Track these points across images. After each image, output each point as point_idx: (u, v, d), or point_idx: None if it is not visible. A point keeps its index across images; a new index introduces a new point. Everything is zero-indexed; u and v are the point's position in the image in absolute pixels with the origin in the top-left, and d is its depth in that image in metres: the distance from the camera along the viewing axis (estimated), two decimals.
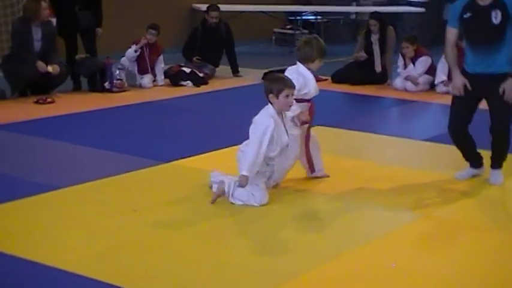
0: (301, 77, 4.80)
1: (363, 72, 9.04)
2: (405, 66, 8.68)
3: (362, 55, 9.01)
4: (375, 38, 8.97)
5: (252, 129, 4.47)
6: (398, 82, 8.74)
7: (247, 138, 6.07)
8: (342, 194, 4.73)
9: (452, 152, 5.86)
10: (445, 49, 5.01)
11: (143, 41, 8.68)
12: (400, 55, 8.80)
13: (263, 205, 4.42)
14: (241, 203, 4.46)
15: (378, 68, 9.00)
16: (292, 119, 4.70)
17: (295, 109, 4.69)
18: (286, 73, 4.82)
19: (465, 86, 4.79)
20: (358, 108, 8.09)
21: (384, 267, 3.63)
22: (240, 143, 5.99)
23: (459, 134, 4.94)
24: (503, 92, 4.65)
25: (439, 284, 3.47)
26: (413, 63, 8.58)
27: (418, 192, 4.79)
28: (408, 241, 4.02)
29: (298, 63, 4.87)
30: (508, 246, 3.98)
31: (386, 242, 3.99)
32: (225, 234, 4.07)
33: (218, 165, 5.36)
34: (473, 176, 5.01)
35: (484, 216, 4.45)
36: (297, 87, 4.66)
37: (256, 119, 4.51)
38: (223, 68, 9.68)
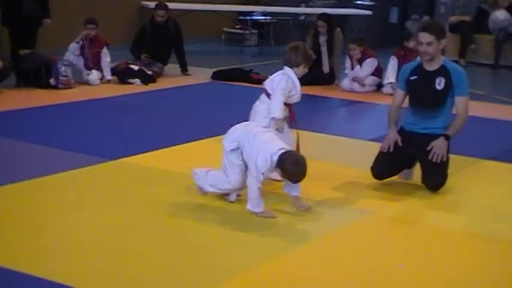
0: (291, 80, 4.84)
1: (310, 73, 9.10)
2: (352, 68, 8.82)
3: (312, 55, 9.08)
4: (322, 39, 9.08)
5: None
6: (345, 83, 8.87)
7: (195, 136, 6.14)
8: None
9: None
10: (391, 107, 5.12)
11: (84, 33, 8.58)
12: (347, 56, 8.92)
13: (235, 189, 4.44)
14: (213, 190, 4.47)
15: (326, 68, 9.11)
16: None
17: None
18: (276, 77, 4.85)
19: (396, 142, 4.89)
20: (305, 108, 8.11)
21: (326, 265, 3.69)
22: (188, 141, 6.03)
23: (380, 178, 4.98)
24: (431, 148, 4.74)
25: (383, 278, 3.55)
26: (360, 65, 8.72)
27: (362, 191, 4.88)
28: (352, 239, 4.09)
29: (285, 67, 4.90)
30: (451, 243, 4.08)
31: (329, 240, 4.05)
32: (173, 232, 4.07)
33: (165, 163, 5.38)
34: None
35: (428, 214, 4.56)
36: (287, 90, 4.77)
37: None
38: (172, 66, 9.65)
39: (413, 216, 4.53)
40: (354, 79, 8.76)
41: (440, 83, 4.86)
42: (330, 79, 9.18)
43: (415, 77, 4.95)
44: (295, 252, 3.83)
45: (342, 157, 5.88)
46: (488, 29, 11.91)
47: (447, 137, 4.82)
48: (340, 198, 4.73)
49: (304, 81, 8.86)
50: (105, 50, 8.78)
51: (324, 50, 9.09)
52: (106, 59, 8.78)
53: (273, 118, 4.78)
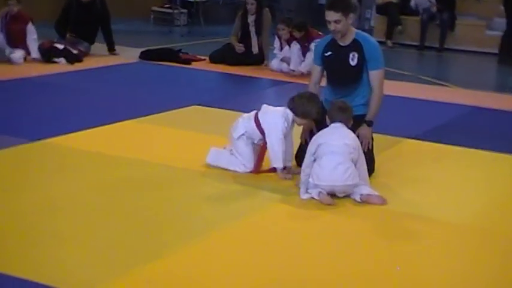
0: (287, 123, 4.64)
1: (240, 53, 9.12)
2: (281, 48, 8.83)
3: (241, 48, 9.07)
4: (251, 18, 9.06)
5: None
6: (274, 63, 8.88)
7: (122, 117, 6.04)
8: (215, 173, 4.76)
9: None
10: (309, 85, 5.04)
11: (5, 9, 8.32)
12: (276, 37, 8.93)
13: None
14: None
15: (255, 49, 9.10)
16: None
17: None
18: (276, 119, 4.62)
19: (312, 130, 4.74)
20: (235, 88, 8.16)
21: (244, 246, 3.70)
22: (114, 122, 5.93)
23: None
24: (358, 136, 4.60)
25: (298, 257, 3.58)
26: (289, 45, 8.74)
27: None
28: (270, 221, 4.10)
29: (288, 109, 4.63)
30: (387, 223, 4.15)
31: (248, 221, 4.06)
32: (99, 211, 4.00)
33: (90, 144, 5.27)
34: None
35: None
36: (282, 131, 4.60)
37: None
38: (99, 46, 9.46)
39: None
40: (283, 59, 8.78)
41: (353, 58, 4.75)
42: (259, 59, 9.18)
43: (329, 52, 4.85)
44: (221, 230, 3.83)
45: None
46: (414, 11, 12.13)
47: (369, 123, 4.77)
48: (263, 180, 4.72)
49: (233, 61, 9.05)
50: (30, 27, 8.51)
51: (252, 30, 9.07)
52: (32, 36, 8.52)
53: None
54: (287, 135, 4.66)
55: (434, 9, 11.72)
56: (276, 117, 4.62)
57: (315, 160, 4.33)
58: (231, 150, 4.78)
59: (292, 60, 8.52)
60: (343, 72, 4.80)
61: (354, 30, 4.85)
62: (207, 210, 4.15)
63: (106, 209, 4.07)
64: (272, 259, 3.52)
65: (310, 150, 4.37)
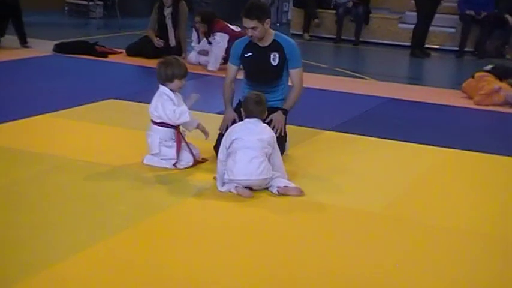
0: (167, 97, 4.67)
1: (158, 46, 9.03)
2: (199, 41, 8.79)
3: (159, 43, 8.97)
4: (167, 11, 8.98)
5: None
6: (192, 56, 8.83)
7: (34, 112, 5.86)
8: (130, 167, 4.70)
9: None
10: (224, 83, 5.10)
11: None
12: (193, 30, 8.88)
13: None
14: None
15: (172, 42, 9.03)
16: None
17: None
18: (157, 103, 4.68)
19: (234, 121, 4.82)
20: (152, 81, 7.94)
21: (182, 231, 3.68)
22: (26, 117, 5.76)
23: None
24: (270, 121, 4.75)
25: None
26: (207, 38, 8.71)
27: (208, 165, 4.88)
28: (186, 215, 4.09)
29: (160, 86, 4.72)
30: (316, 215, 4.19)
31: (164, 216, 4.04)
32: (7, 208, 3.88)
33: (4, 139, 5.11)
34: None
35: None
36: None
37: None
38: (10, 38, 9.16)
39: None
40: (200, 52, 8.74)
41: (275, 59, 4.92)
42: (177, 52, 9.09)
43: (249, 53, 4.98)
44: (146, 222, 3.79)
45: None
46: (330, 4, 12.32)
47: (285, 111, 4.91)
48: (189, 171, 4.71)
49: (150, 54, 8.94)
50: None
51: (169, 22, 9.00)
52: None
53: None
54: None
55: (350, 4, 11.94)
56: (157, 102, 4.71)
57: (229, 155, 4.35)
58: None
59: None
60: (264, 71, 4.94)
61: (272, 31, 5.02)
62: (122, 205, 4.08)
63: (20, 206, 3.95)
64: (186, 253, 3.51)
65: (225, 143, 4.39)
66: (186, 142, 4.78)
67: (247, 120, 4.46)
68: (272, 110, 4.77)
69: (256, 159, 4.27)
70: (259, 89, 4.86)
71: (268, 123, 4.70)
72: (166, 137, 4.73)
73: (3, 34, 9.07)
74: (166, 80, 4.70)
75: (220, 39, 8.43)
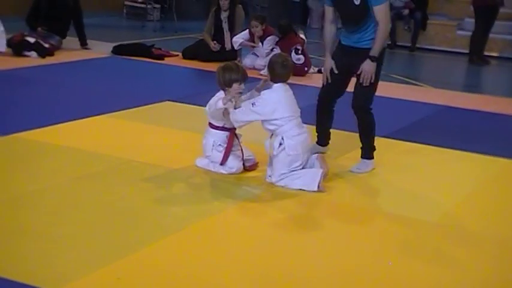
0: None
1: (213, 50, 9.10)
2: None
3: (215, 46, 9.04)
4: (224, 15, 9.06)
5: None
6: (247, 60, 8.88)
7: (93, 112, 5.99)
8: (186, 169, 4.75)
9: None
10: (325, 25, 5.11)
11: None
12: (248, 34, 8.92)
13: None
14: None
15: (228, 45, 9.10)
16: None
17: None
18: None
19: (332, 70, 4.95)
20: (207, 84, 8.09)
21: (231, 237, 3.70)
22: (85, 117, 5.88)
23: (323, 103, 5.11)
24: (361, 72, 4.80)
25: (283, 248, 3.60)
26: (262, 42, 8.75)
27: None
28: (241, 219, 4.11)
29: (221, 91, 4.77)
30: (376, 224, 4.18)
31: (219, 217, 4.07)
32: (70, 206, 3.97)
33: (61, 139, 5.23)
34: (316, 152, 5.14)
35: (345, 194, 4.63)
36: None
37: None
38: (71, 40, 9.37)
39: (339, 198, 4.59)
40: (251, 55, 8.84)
41: None
42: (232, 56, 9.16)
43: None
44: (199, 224, 3.83)
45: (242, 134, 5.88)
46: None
47: (372, 58, 4.78)
48: (242, 174, 4.73)
49: (205, 57, 9.02)
50: None
51: (225, 26, 9.07)
52: None
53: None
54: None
55: (406, 11, 11.79)
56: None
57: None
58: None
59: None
60: (349, 11, 4.87)
61: None
62: (178, 206, 4.14)
63: (77, 205, 4.03)
64: (238, 257, 3.53)
65: (265, 112, 4.55)
66: (240, 148, 4.79)
67: (281, 87, 4.63)
68: (361, 51, 4.78)
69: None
70: (350, 29, 4.87)
71: (359, 75, 4.79)
72: (220, 141, 4.76)
73: (65, 36, 9.27)
74: (224, 85, 4.73)
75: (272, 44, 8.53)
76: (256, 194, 4.42)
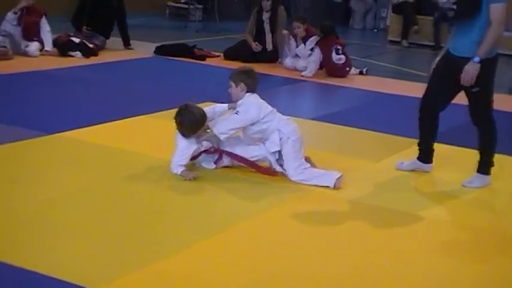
0: None
1: (255, 51, 9.12)
2: (296, 46, 8.83)
3: (257, 47, 9.06)
4: (266, 15, 9.08)
5: None
6: (288, 61, 8.88)
7: (136, 112, 6.05)
8: (229, 169, 4.77)
9: (337, 131, 6.05)
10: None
11: (22, 3, 8.38)
12: (290, 35, 8.91)
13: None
14: None
15: (269, 46, 9.11)
16: None
17: None
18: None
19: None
20: None
21: (270, 239, 3.71)
22: (128, 116, 5.95)
23: (428, 112, 4.82)
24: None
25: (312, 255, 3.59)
26: (304, 43, 8.74)
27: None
28: (289, 216, 4.11)
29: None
30: (439, 234, 4.15)
31: (268, 216, 4.07)
32: (113, 206, 4.03)
33: (104, 138, 5.30)
34: (415, 169, 4.93)
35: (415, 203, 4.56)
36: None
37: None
38: (115, 40, 9.49)
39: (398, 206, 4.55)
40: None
41: None
42: (273, 57, 9.18)
43: None
44: (242, 225, 3.84)
45: None
46: (429, 11, 12.05)
47: (475, 59, 4.43)
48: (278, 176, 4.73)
49: (247, 58, 9.04)
50: (43, 20, 8.58)
51: (267, 27, 9.09)
52: (46, 27, 8.59)
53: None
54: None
55: (451, 13, 11.61)
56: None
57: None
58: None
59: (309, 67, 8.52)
60: (463, 3, 4.58)
61: None
62: (222, 206, 4.17)
63: (120, 203, 4.09)
64: (281, 258, 3.53)
65: (252, 114, 4.62)
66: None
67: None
68: (461, 61, 4.46)
69: None
70: (463, 24, 4.50)
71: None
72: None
73: (109, 36, 9.40)
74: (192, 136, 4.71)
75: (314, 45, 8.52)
76: (295, 195, 4.42)
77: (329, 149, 5.41)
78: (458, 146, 5.66)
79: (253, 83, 4.73)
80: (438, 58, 4.76)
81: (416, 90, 7.66)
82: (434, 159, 4.98)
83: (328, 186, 4.48)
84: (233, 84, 4.73)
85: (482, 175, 4.75)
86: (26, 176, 4.41)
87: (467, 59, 4.47)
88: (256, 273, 3.35)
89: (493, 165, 4.76)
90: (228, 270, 3.35)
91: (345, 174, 4.70)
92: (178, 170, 4.53)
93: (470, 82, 4.48)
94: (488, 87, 4.60)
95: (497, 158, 4.83)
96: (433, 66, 4.76)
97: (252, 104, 4.65)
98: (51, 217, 3.82)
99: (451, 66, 4.59)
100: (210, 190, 4.42)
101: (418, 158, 4.94)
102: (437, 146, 4.99)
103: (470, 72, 4.46)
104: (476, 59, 4.44)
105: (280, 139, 4.63)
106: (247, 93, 4.70)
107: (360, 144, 5.69)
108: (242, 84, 4.69)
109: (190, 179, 4.49)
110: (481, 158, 4.76)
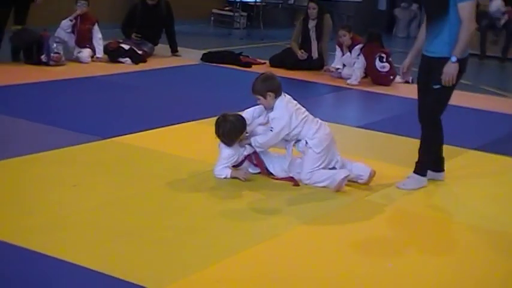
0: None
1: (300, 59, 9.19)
2: (342, 55, 8.88)
3: (303, 55, 9.14)
4: (312, 23, 9.15)
5: None
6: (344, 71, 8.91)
7: (185, 118, 6.18)
8: (268, 180, 4.83)
9: (385, 139, 6.08)
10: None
11: (77, 12, 8.63)
12: (336, 44, 8.96)
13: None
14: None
15: (315, 54, 9.18)
16: None
17: None
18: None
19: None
20: (293, 92, 7.97)
21: (306, 251, 3.79)
22: (177, 123, 6.07)
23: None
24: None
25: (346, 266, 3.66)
26: (350, 52, 8.78)
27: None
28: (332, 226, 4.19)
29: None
30: (448, 234, 4.20)
31: (312, 227, 4.15)
32: (162, 213, 4.13)
33: (155, 143, 5.43)
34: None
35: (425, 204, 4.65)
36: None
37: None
38: (162, 47, 9.66)
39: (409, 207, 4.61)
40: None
41: None
42: (318, 64, 9.24)
43: None
44: (286, 235, 3.93)
45: None
46: (476, 19, 11.92)
47: (452, 59, 4.49)
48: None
49: (292, 65, 9.10)
50: (96, 28, 8.81)
51: (312, 35, 9.16)
52: (98, 35, 8.81)
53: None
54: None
55: (503, 20, 11.49)
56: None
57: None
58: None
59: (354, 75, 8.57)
60: (431, 4, 4.62)
61: None
62: (272, 214, 4.25)
63: (173, 209, 4.20)
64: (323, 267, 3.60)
65: (284, 127, 4.69)
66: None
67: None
68: (436, 61, 4.53)
69: None
70: (433, 25, 4.55)
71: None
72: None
73: (157, 43, 9.58)
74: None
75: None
76: (345, 204, 4.48)
77: (374, 157, 5.44)
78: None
79: (277, 86, 4.78)
80: (407, 59, 4.86)
81: (461, 98, 7.68)
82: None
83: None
84: (261, 98, 4.78)
85: (418, 176, 4.76)
86: (85, 179, 4.53)
87: (439, 59, 4.53)
88: (321, 272, 3.42)
89: (429, 168, 4.80)
90: (285, 272, 3.42)
91: (390, 182, 4.76)
92: (228, 174, 4.65)
93: (452, 82, 4.54)
94: (450, 88, 4.63)
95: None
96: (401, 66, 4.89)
97: (283, 117, 4.69)
98: (108, 220, 3.93)
99: (425, 66, 4.68)
100: (249, 196, 4.48)
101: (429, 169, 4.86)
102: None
103: (449, 72, 4.51)
104: (454, 58, 4.50)
105: (306, 143, 4.72)
106: (278, 98, 4.76)
107: (404, 152, 5.71)
108: (270, 93, 4.76)
109: (243, 180, 4.62)
110: (419, 158, 4.77)
